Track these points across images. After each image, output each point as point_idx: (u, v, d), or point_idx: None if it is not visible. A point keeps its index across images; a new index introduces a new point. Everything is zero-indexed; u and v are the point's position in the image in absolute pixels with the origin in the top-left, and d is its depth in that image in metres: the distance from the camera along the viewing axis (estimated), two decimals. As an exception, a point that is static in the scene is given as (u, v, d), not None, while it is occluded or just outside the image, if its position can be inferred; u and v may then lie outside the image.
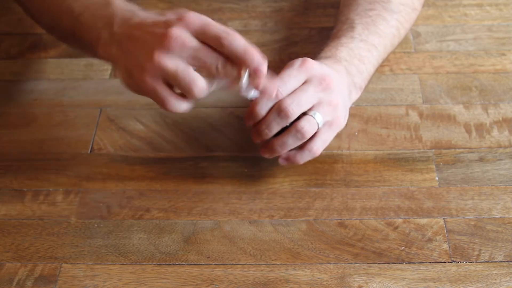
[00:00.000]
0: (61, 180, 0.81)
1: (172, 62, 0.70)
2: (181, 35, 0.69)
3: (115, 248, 0.75)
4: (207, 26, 0.71)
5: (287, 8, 1.03)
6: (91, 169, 0.82)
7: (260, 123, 0.76)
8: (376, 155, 0.82)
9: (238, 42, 0.72)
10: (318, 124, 0.75)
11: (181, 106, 0.72)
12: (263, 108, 0.75)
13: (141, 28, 0.72)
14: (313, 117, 0.75)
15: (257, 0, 1.04)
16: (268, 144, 0.77)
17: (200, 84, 0.71)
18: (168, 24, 0.70)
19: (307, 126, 0.75)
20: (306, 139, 0.75)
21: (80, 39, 0.80)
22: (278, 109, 0.74)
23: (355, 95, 0.82)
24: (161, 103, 0.72)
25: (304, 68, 0.76)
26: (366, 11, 0.87)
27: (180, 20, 0.70)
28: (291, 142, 0.76)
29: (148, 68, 0.70)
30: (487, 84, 0.90)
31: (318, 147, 0.77)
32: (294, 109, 0.74)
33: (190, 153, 0.84)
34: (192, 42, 0.70)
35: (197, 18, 0.71)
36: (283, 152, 0.77)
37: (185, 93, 0.72)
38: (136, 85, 0.72)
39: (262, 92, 0.74)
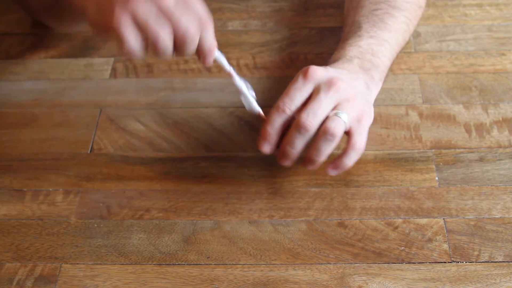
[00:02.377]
0: (61, 180, 0.81)
1: (146, 8, 0.70)
2: None
3: (115, 248, 0.75)
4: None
5: (287, 8, 1.03)
6: (91, 169, 0.82)
7: (283, 145, 0.75)
8: (376, 155, 0.82)
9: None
10: (344, 121, 0.74)
11: (138, 50, 0.72)
12: (274, 127, 0.75)
13: None
14: (336, 116, 0.74)
15: (257, 0, 1.04)
16: (305, 158, 0.76)
17: (166, 40, 0.71)
18: None
19: (333, 125, 0.73)
20: (338, 138, 0.74)
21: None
22: (297, 126, 0.73)
23: (376, 89, 0.81)
24: (120, 41, 0.71)
25: (308, 78, 0.75)
26: (372, 11, 0.87)
27: None
28: (325, 146, 0.74)
29: (121, 7, 0.70)
30: (487, 84, 0.90)
31: (360, 142, 0.75)
32: (311, 121, 0.73)
33: (190, 153, 0.84)
34: None
35: None
36: (322, 159, 0.75)
37: (150, 44, 0.71)
38: (103, 22, 0.72)
39: (273, 110, 0.75)
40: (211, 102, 0.89)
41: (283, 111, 0.75)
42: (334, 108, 0.74)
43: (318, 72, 0.76)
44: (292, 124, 0.74)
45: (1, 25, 1.03)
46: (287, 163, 0.76)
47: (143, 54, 0.72)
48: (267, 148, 0.76)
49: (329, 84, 0.74)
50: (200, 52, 0.75)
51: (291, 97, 0.75)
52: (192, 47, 0.73)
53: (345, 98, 0.75)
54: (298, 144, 0.74)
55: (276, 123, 0.75)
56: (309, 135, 0.74)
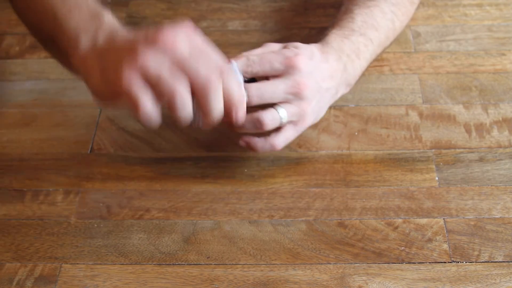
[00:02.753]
0: (61, 180, 0.81)
1: (157, 64, 0.64)
2: (172, 38, 0.65)
3: (115, 248, 0.75)
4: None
5: (287, 8, 1.03)
6: (91, 169, 0.82)
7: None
8: (376, 155, 0.82)
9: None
10: (280, 119, 0.75)
11: (154, 114, 0.66)
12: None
13: (129, 41, 0.67)
14: (277, 112, 0.75)
15: (257, 0, 1.04)
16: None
17: (183, 94, 0.65)
18: (160, 30, 0.65)
19: (268, 119, 0.74)
20: (265, 130, 0.75)
21: (57, 43, 0.75)
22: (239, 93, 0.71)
23: (343, 91, 0.82)
24: (134, 106, 0.65)
25: (288, 63, 0.75)
26: (366, 1, 0.87)
27: (174, 26, 0.66)
28: (250, 128, 0.75)
29: (129, 68, 0.64)
30: (487, 84, 0.90)
31: (280, 143, 0.77)
32: (254, 99, 0.74)
33: (190, 153, 0.84)
34: (183, 47, 0.65)
35: (191, 30, 0.66)
36: (236, 131, 0.76)
37: (165, 100, 0.65)
38: (111, 87, 0.67)
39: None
40: (211, 102, 0.89)
41: (247, 65, 0.74)
42: (283, 102, 0.75)
43: (301, 67, 0.75)
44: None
45: (1, 25, 1.03)
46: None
47: (158, 117, 0.66)
48: None
49: (296, 84, 0.75)
50: (227, 106, 0.68)
51: (262, 60, 0.74)
52: (217, 99, 0.66)
53: (298, 104, 0.75)
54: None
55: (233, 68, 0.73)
56: (243, 107, 0.70)
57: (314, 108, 0.78)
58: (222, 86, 0.67)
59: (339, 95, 0.82)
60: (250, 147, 0.77)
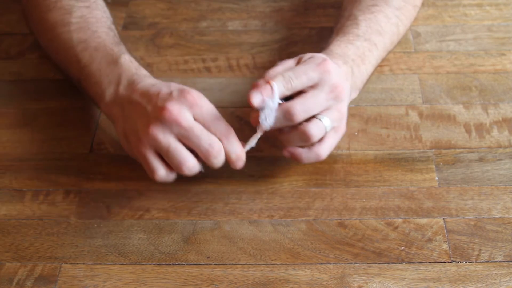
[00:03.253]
0: (61, 180, 0.81)
1: (165, 137, 0.72)
2: (177, 112, 0.72)
3: (115, 248, 0.75)
4: (204, 113, 0.73)
5: (287, 8, 1.03)
6: (91, 169, 0.82)
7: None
8: (376, 155, 0.82)
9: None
10: (325, 128, 0.75)
11: (169, 177, 0.75)
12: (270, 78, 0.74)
13: (144, 96, 0.75)
14: (321, 121, 0.74)
15: (257, 0, 1.04)
16: (274, 137, 0.77)
17: (190, 164, 0.73)
18: (168, 98, 0.72)
19: (315, 130, 0.74)
20: (313, 142, 0.75)
21: (84, 89, 0.83)
22: (286, 112, 0.73)
23: (353, 95, 0.82)
24: (150, 172, 0.74)
25: (321, 69, 0.74)
26: (369, 7, 0.86)
27: (181, 96, 0.72)
28: (297, 141, 0.75)
29: (142, 138, 0.73)
30: (487, 84, 0.90)
31: (325, 152, 0.77)
32: (301, 115, 0.73)
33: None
34: (186, 120, 0.72)
35: (197, 99, 0.73)
36: (286, 148, 0.77)
37: (175, 169, 0.74)
38: (131, 150, 0.76)
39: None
40: (211, 102, 0.88)
41: (286, 82, 0.73)
42: (325, 110, 0.75)
43: (332, 70, 0.75)
44: (283, 106, 0.73)
45: (1, 25, 1.03)
46: (256, 124, 0.75)
47: (174, 177, 0.75)
48: (257, 98, 0.72)
49: (333, 88, 0.74)
50: (229, 161, 0.75)
51: (296, 74, 0.74)
52: (218, 161, 0.74)
53: (338, 108, 0.75)
54: (278, 125, 0.74)
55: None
56: (291, 124, 0.74)
57: (346, 101, 0.78)
58: (224, 149, 0.73)
59: (351, 98, 0.82)
60: (295, 158, 0.77)
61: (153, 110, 0.73)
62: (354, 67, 0.81)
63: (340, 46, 0.82)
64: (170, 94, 0.73)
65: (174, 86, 0.74)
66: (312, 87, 0.74)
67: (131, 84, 0.77)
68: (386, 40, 0.86)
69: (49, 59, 0.92)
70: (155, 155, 0.74)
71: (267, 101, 0.72)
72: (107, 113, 0.80)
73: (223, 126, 0.73)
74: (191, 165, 0.73)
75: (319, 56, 0.77)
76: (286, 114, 0.73)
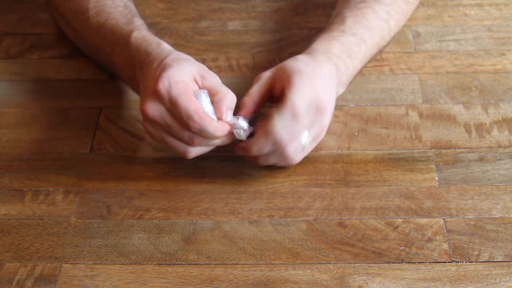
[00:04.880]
0: (61, 180, 0.81)
1: (158, 133, 0.75)
2: (152, 111, 0.74)
3: (115, 248, 0.75)
4: (173, 106, 0.73)
5: (287, 8, 1.03)
6: (91, 169, 0.82)
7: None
8: (376, 155, 0.82)
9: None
10: (304, 145, 0.76)
11: (201, 150, 0.77)
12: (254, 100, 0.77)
13: (142, 85, 0.77)
14: (300, 142, 0.76)
15: (257, 0, 1.04)
16: (242, 146, 0.78)
17: (191, 154, 0.77)
18: (148, 97, 0.74)
19: (292, 152, 0.76)
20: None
21: (117, 75, 0.87)
22: (266, 134, 0.75)
23: (340, 91, 0.83)
24: (181, 155, 0.77)
25: (316, 115, 0.76)
26: (357, 4, 0.86)
27: (155, 93, 0.73)
28: (274, 161, 0.78)
29: (143, 114, 0.75)
30: (487, 84, 0.90)
31: (298, 160, 0.79)
32: (285, 139, 0.75)
33: (190, 153, 0.84)
34: (162, 119, 0.74)
35: (166, 94, 0.73)
36: (255, 158, 0.79)
37: (181, 155, 0.77)
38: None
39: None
40: (211, 102, 0.89)
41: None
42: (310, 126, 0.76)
43: (328, 109, 0.76)
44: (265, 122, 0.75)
45: (1, 25, 1.03)
46: (240, 153, 0.79)
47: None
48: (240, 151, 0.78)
49: (319, 109, 0.75)
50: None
51: (296, 121, 0.75)
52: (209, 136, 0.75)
53: (320, 122, 0.76)
54: (255, 149, 0.77)
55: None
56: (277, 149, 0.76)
57: (331, 115, 0.78)
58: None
59: (338, 94, 0.82)
60: (259, 163, 0.79)
61: (140, 108, 0.75)
62: (340, 63, 0.80)
63: (323, 43, 0.82)
64: (148, 90, 0.75)
65: (157, 72, 0.75)
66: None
67: (141, 68, 0.78)
68: (375, 36, 0.86)
69: (83, 54, 0.95)
70: (152, 127, 0.76)
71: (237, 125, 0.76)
72: (136, 92, 0.83)
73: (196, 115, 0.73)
74: (194, 152, 0.76)
75: (296, 70, 0.76)
76: (274, 143, 0.75)
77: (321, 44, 0.81)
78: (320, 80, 0.76)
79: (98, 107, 0.89)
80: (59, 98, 0.91)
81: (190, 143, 0.75)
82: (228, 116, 0.75)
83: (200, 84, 0.75)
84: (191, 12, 1.03)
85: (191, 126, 0.72)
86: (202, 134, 0.74)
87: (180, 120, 0.73)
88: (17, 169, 0.83)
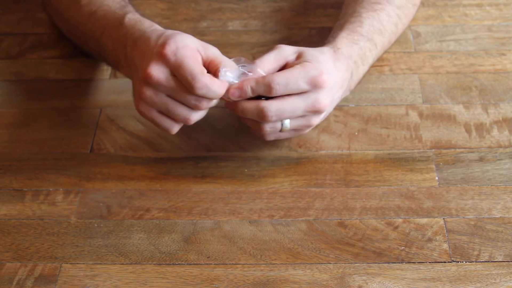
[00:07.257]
0: (61, 180, 0.81)
1: (159, 98, 0.74)
2: (156, 74, 0.73)
3: (115, 248, 0.75)
4: (179, 67, 0.72)
5: (287, 8, 1.03)
6: (91, 169, 0.82)
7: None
8: (376, 155, 0.82)
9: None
10: (283, 129, 0.77)
11: (186, 123, 0.76)
12: (249, 91, 0.75)
13: (140, 56, 0.75)
14: (281, 124, 0.76)
15: (257, 0, 1.04)
16: (231, 105, 0.77)
17: (193, 118, 0.76)
18: (151, 60, 0.73)
19: (268, 131, 0.77)
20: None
21: (106, 60, 0.86)
22: (259, 109, 0.74)
23: (344, 95, 0.83)
24: (165, 131, 0.77)
25: (314, 83, 0.74)
26: (372, 4, 0.86)
27: (160, 56, 0.73)
28: (251, 122, 0.78)
29: (142, 100, 0.75)
30: (487, 84, 0.90)
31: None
32: (273, 118, 0.75)
33: (190, 153, 0.84)
34: (167, 81, 0.73)
35: (171, 57, 0.72)
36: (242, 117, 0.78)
37: (183, 122, 0.76)
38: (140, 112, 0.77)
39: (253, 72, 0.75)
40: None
41: (272, 89, 0.74)
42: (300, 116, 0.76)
43: (325, 89, 0.75)
44: (259, 103, 0.75)
45: (1, 25, 1.03)
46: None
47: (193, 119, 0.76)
48: (235, 95, 0.75)
49: (317, 105, 0.75)
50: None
51: (287, 80, 0.74)
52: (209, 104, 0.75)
53: (309, 119, 0.77)
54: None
55: (255, 86, 0.75)
56: (259, 120, 0.76)
57: (322, 119, 0.79)
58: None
59: (341, 98, 0.82)
60: (253, 130, 0.79)
61: (141, 74, 0.74)
62: (354, 70, 0.81)
63: (347, 45, 0.81)
64: (152, 55, 0.74)
65: (161, 40, 0.74)
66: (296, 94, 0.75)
67: (134, 43, 0.77)
68: (385, 40, 0.86)
69: (74, 44, 0.95)
70: (159, 114, 0.75)
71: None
72: (128, 77, 0.81)
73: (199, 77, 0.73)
74: (195, 117, 0.75)
75: (321, 63, 0.76)
76: (259, 112, 0.74)
77: (345, 47, 0.81)
78: (333, 86, 0.77)
79: (98, 107, 0.89)
80: (59, 98, 0.91)
81: (197, 107, 0.74)
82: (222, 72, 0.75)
83: (203, 53, 0.75)
84: (191, 12, 1.03)
85: (196, 87, 0.72)
86: (207, 95, 0.73)
87: (185, 83, 0.72)
88: (17, 169, 0.83)
